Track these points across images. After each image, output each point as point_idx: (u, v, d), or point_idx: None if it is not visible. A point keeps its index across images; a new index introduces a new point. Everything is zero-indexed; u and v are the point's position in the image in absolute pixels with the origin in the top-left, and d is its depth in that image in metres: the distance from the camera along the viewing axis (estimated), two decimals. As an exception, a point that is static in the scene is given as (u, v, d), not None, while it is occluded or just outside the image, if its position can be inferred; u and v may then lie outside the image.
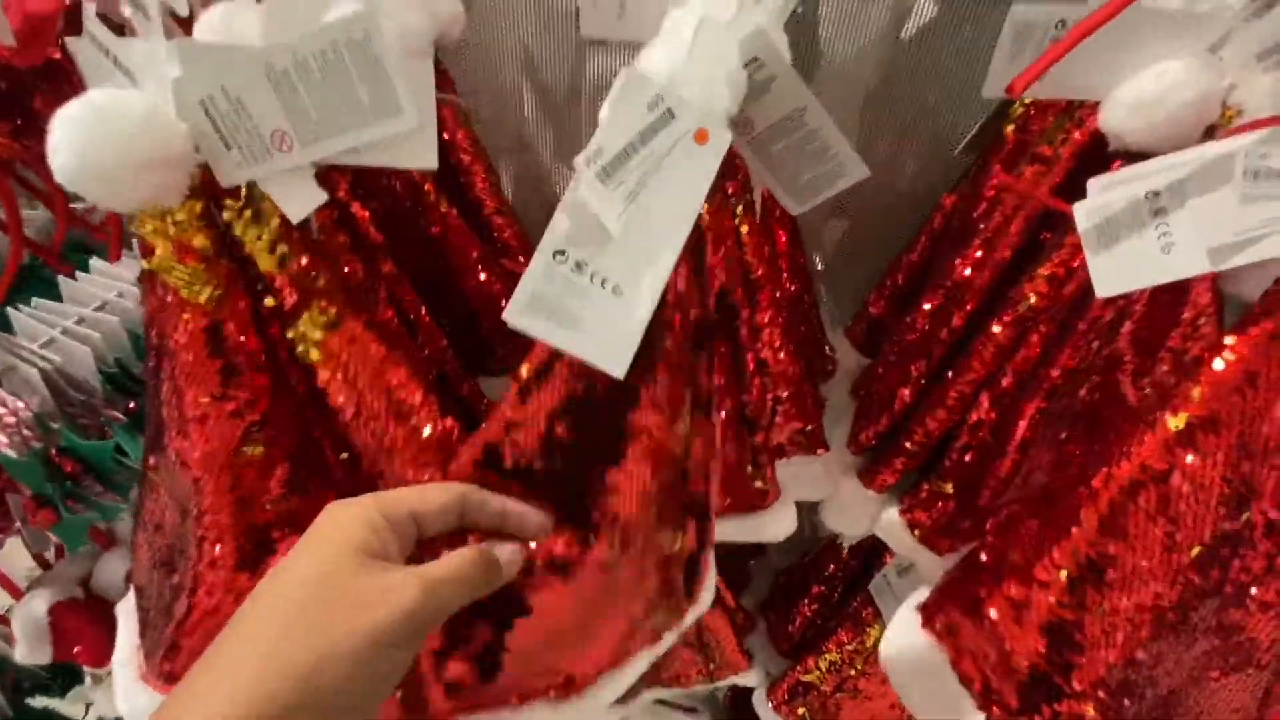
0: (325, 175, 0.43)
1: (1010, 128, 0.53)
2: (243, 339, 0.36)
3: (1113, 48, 0.37)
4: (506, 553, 0.33)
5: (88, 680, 0.93)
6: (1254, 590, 0.33)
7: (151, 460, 0.40)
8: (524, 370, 0.32)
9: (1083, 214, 0.34)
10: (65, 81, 0.41)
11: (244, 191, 0.34)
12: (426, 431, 0.39)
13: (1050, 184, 0.46)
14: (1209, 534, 0.33)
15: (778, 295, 0.49)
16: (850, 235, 0.75)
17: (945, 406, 0.50)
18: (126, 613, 0.47)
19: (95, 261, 0.61)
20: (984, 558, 0.41)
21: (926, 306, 0.56)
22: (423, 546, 0.31)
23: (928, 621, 0.43)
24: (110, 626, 0.55)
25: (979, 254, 0.52)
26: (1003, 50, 0.39)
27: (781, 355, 0.50)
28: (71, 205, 0.55)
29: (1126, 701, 0.35)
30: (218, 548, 0.39)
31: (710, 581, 0.46)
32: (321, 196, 0.34)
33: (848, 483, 0.56)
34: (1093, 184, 0.34)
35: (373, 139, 0.31)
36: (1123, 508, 0.34)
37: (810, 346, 0.62)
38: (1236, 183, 0.29)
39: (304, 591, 0.26)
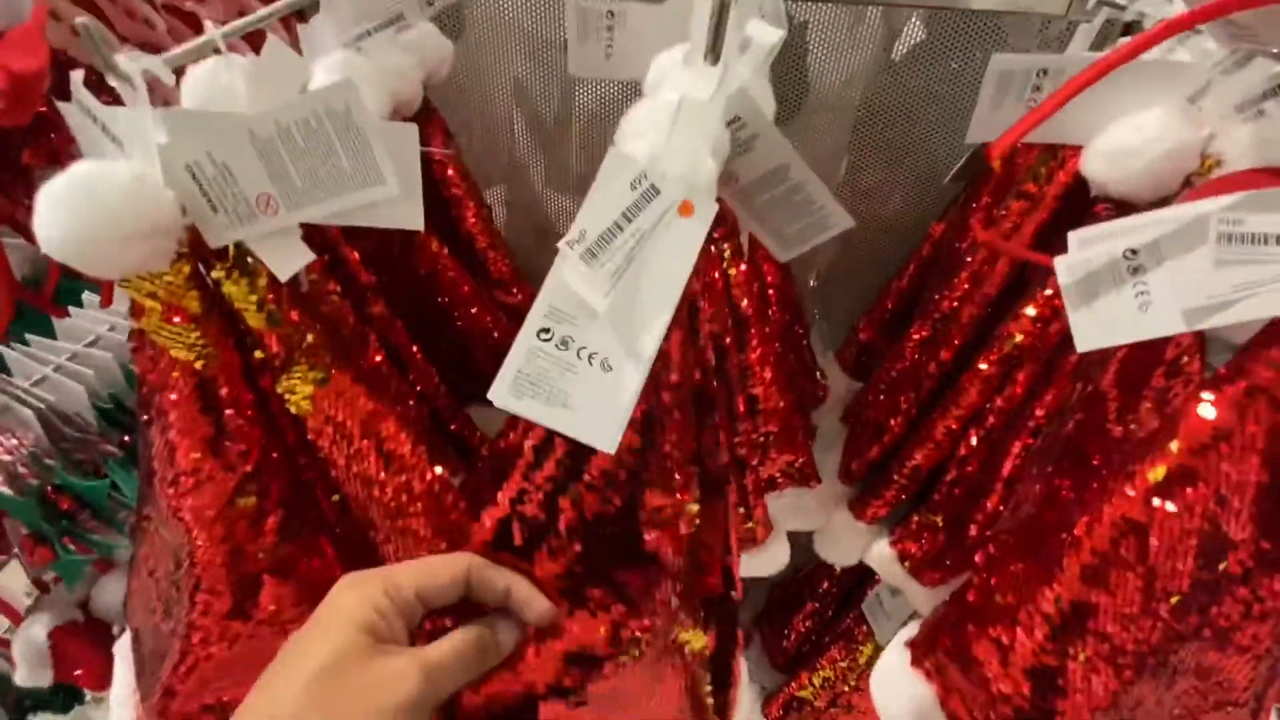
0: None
1: (997, 160, 0.54)
2: (234, 393, 0.36)
3: (1094, 97, 0.37)
4: (503, 630, 0.34)
5: (88, 699, 0.93)
6: (1232, 635, 0.34)
7: (145, 510, 0.41)
8: (526, 446, 0.32)
9: (1063, 269, 0.34)
10: (54, 133, 0.41)
11: (232, 251, 0.34)
12: (416, 484, 0.40)
13: (1036, 222, 0.47)
14: (1188, 583, 0.33)
15: (767, 330, 0.50)
16: (841, 258, 0.75)
17: (934, 441, 0.51)
18: (124, 653, 0.48)
19: (88, 295, 0.62)
20: (971, 598, 0.42)
21: (916, 337, 0.57)
22: (428, 619, 0.32)
23: (917, 660, 0.44)
24: (110, 649, 0.56)
25: (966, 287, 0.52)
26: (985, 97, 0.39)
27: (772, 390, 0.50)
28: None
29: (1110, 744, 0.36)
30: (210, 597, 0.39)
31: (744, 685, 0.44)
32: (309, 255, 0.34)
33: (839, 514, 0.57)
34: (1073, 238, 0.35)
35: (357, 205, 0.31)
36: (1104, 556, 0.34)
37: (801, 375, 0.62)
38: (1210, 246, 0.29)
39: (313, 675, 0.28)
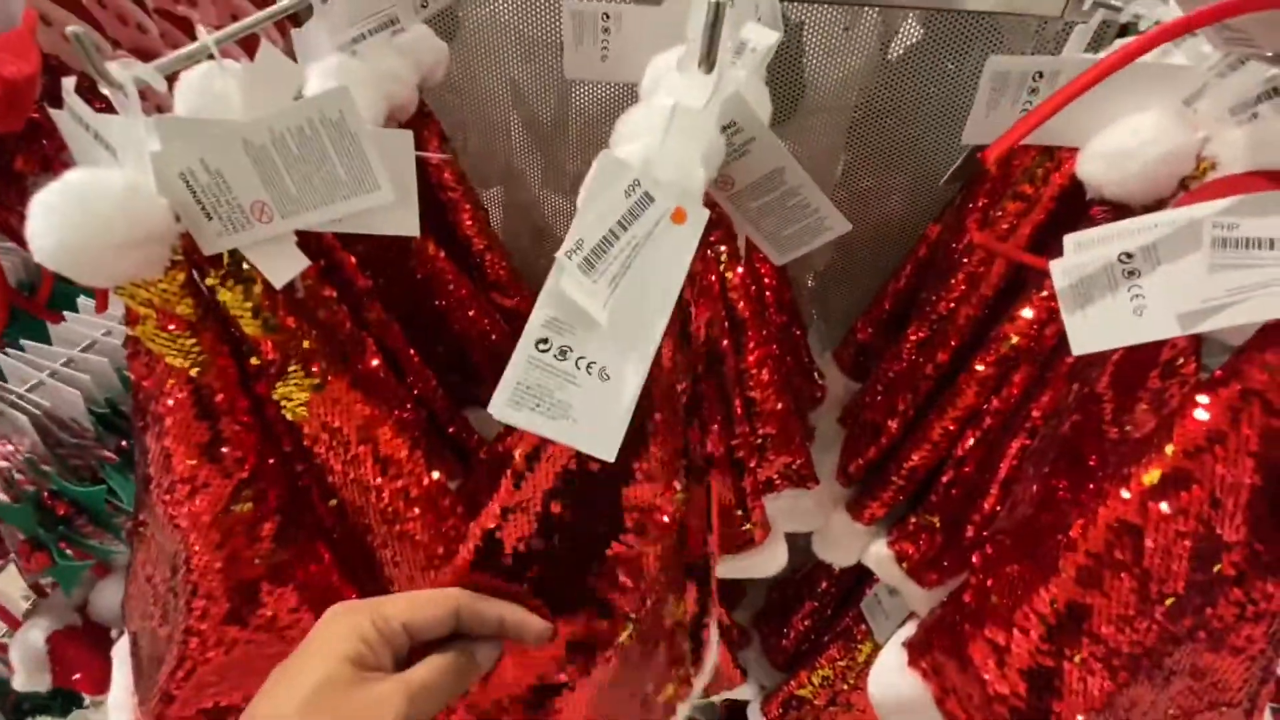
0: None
1: (993, 164, 0.54)
2: (230, 400, 0.36)
3: (1089, 99, 0.37)
4: (483, 649, 0.34)
5: (87, 702, 0.93)
6: (1226, 636, 0.34)
7: (141, 516, 0.41)
8: (517, 454, 0.32)
9: (1059, 272, 0.34)
10: (47, 139, 0.41)
11: (226, 259, 0.34)
12: (413, 490, 0.40)
13: (1032, 223, 0.47)
14: (1182, 585, 0.33)
15: (764, 333, 0.50)
16: (839, 259, 0.75)
17: (931, 442, 0.51)
18: (122, 657, 0.48)
19: (83, 300, 0.61)
20: (967, 599, 0.42)
21: (913, 338, 0.57)
22: (414, 652, 0.33)
23: (914, 660, 0.44)
24: (108, 653, 0.56)
25: (963, 289, 0.52)
26: (981, 99, 0.39)
27: (769, 393, 0.50)
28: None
29: (1105, 745, 0.36)
30: (207, 603, 0.39)
31: (714, 646, 0.46)
32: (304, 262, 0.34)
33: (837, 515, 0.57)
34: (1068, 241, 0.35)
35: (351, 212, 0.31)
36: (1099, 558, 0.34)
37: (799, 376, 0.62)
38: (1205, 250, 0.29)
39: (302, 702, 0.28)
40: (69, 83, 0.31)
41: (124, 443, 0.58)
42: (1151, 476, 0.33)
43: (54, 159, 0.40)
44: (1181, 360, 0.37)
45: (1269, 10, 0.26)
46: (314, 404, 0.37)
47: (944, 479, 0.50)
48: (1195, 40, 0.37)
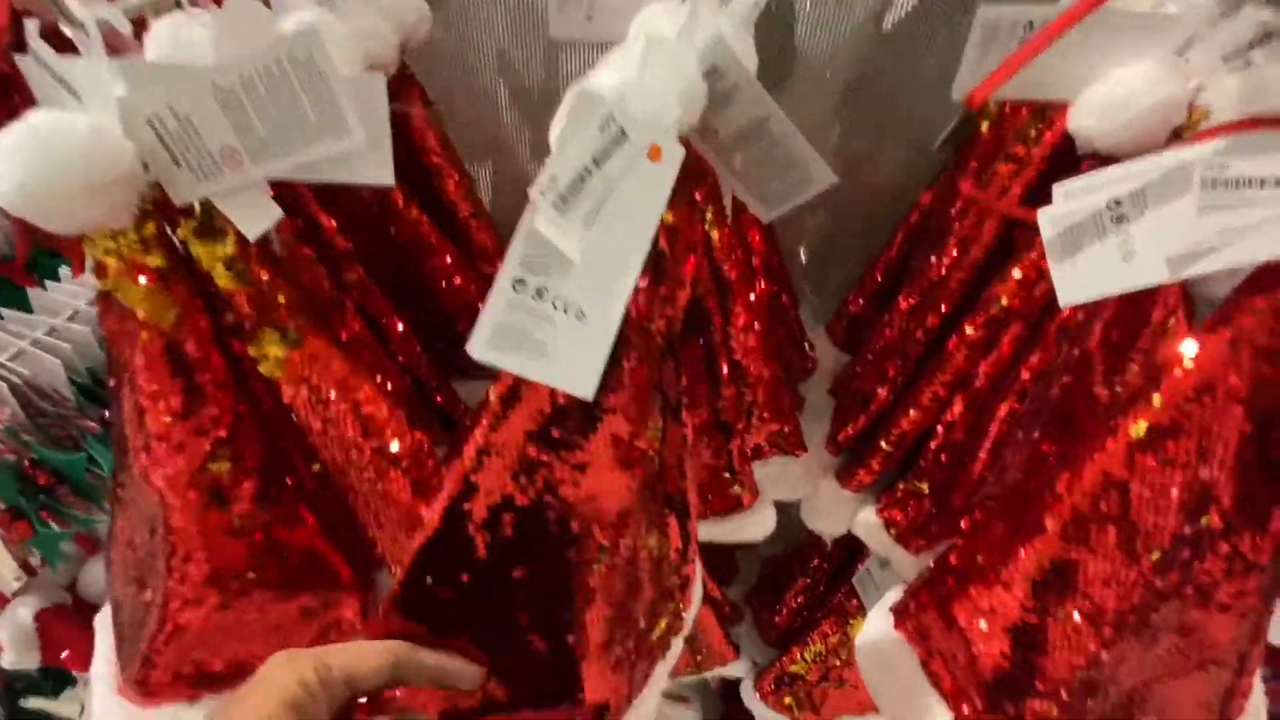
0: (288, 185, 0.43)
1: (986, 124, 0.53)
2: (205, 357, 0.35)
3: (1079, 50, 0.36)
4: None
5: (80, 682, 0.93)
6: (1214, 592, 0.34)
7: (119, 478, 0.40)
8: (491, 394, 0.31)
9: (1047, 221, 0.34)
10: (18, 94, 0.40)
11: (198, 211, 0.33)
12: (395, 447, 0.39)
13: (1023, 182, 0.46)
14: (1169, 539, 0.33)
15: (752, 299, 0.49)
16: (831, 230, 0.74)
17: (920, 406, 0.50)
18: (104, 626, 0.47)
19: (65, 269, 0.61)
20: (954, 560, 0.41)
21: (904, 306, 0.56)
22: (354, 707, 0.33)
23: (900, 623, 0.44)
24: (98, 631, 0.55)
25: (954, 254, 0.52)
26: (971, 51, 0.39)
27: (757, 358, 0.50)
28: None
29: (1090, 701, 0.36)
30: (186, 564, 0.39)
31: (698, 581, 0.46)
32: (277, 213, 0.34)
33: (826, 483, 0.57)
34: (1057, 190, 0.34)
35: (322, 156, 0.30)
36: (1085, 514, 0.34)
37: (789, 346, 0.62)
38: (1194, 193, 0.29)
39: None
40: (32, 25, 0.30)
41: (106, 413, 0.57)
42: (1138, 428, 0.33)
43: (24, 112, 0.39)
44: (1172, 320, 0.36)
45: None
46: (291, 361, 0.36)
47: (933, 444, 0.50)
48: (1187, -14, 0.36)
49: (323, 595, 0.45)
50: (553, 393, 0.30)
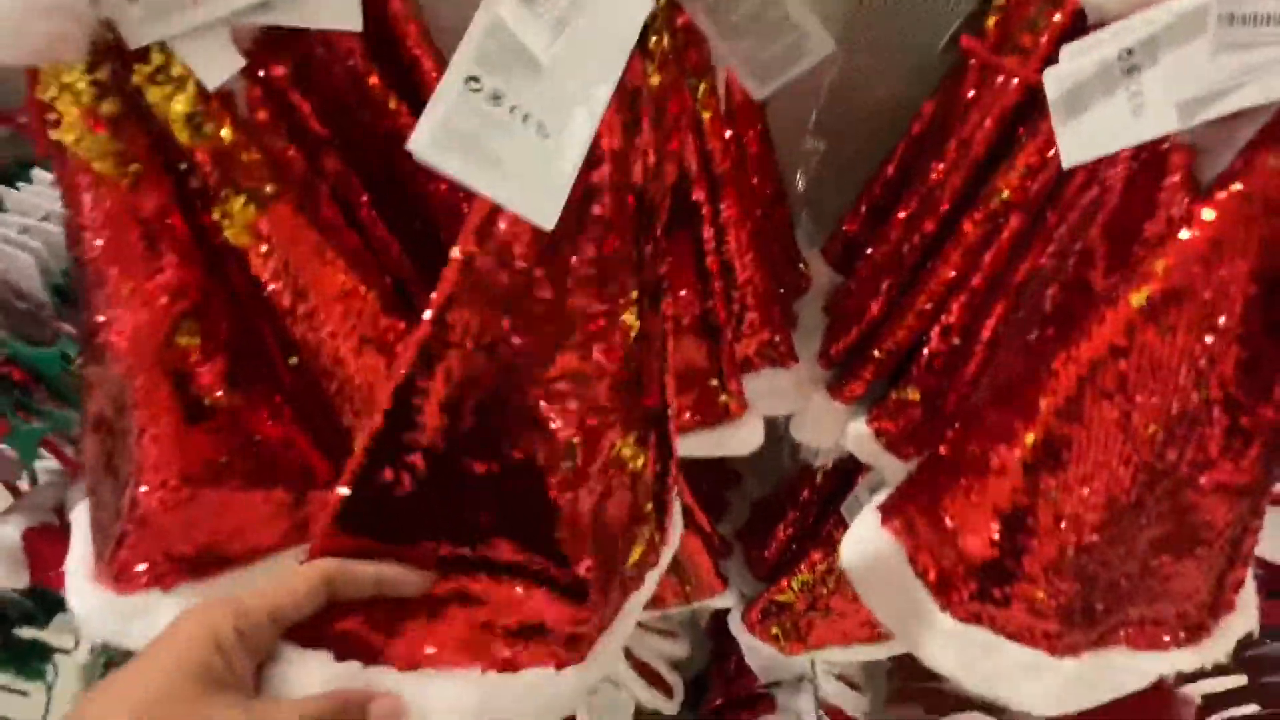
0: (259, 58, 0.41)
1: (993, 20, 0.51)
2: (165, 218, 0.34)
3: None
4: (384, 708, 0.31)
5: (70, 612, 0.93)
6: (1211, 470, 0.33)
7: (87, 357, 0.39)
8: (455, 252, 0.30)
9: (1052, 81, 0.32)
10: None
11: (155, 57, 0.31)
12: (369, 333, 0.38)
13: (1031, 69, 0.44)
14: (1166, 414, 0.32)
15: (744, 197, 0.47)
16: (830, 156, 0.72)
17: (915, 311, 0.49)
18: (79, 520, 0.47)
19: (37, 172, 0.59)
20: (944, 452, 0.41)
21: (901, 215, 0.54)
22: (293, 632, 0.30)
23: (887, 520, 0.43)
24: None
25: (954, 154, 0.50)
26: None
27: (747, 260, 0.49)
28: None
29: (1078, 585, 0.35)
30: (154, 447, 0.38)
31: (676, 516, 0.45)
32: (239, 61, 0.32)
33: (817, 396, 0.56)
34: (1065, 50, 0.32)
35: (285, -11, 0.29)
36: (1081, 389, 0.33)
37: (782, 261, 0.60)
38: (1210, 33, 0.27)
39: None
40: None
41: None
42: (1140, 297, 0.31)
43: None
44: (1178, 209, 0.35)
45: None
46: (258, 227, 0.35)
47: (927, 349, 0.49)
48: None
49: (297, 491, 0.44)
50: (516, 255, 0.28)
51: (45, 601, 0.96)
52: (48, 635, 0.99)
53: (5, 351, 0.51)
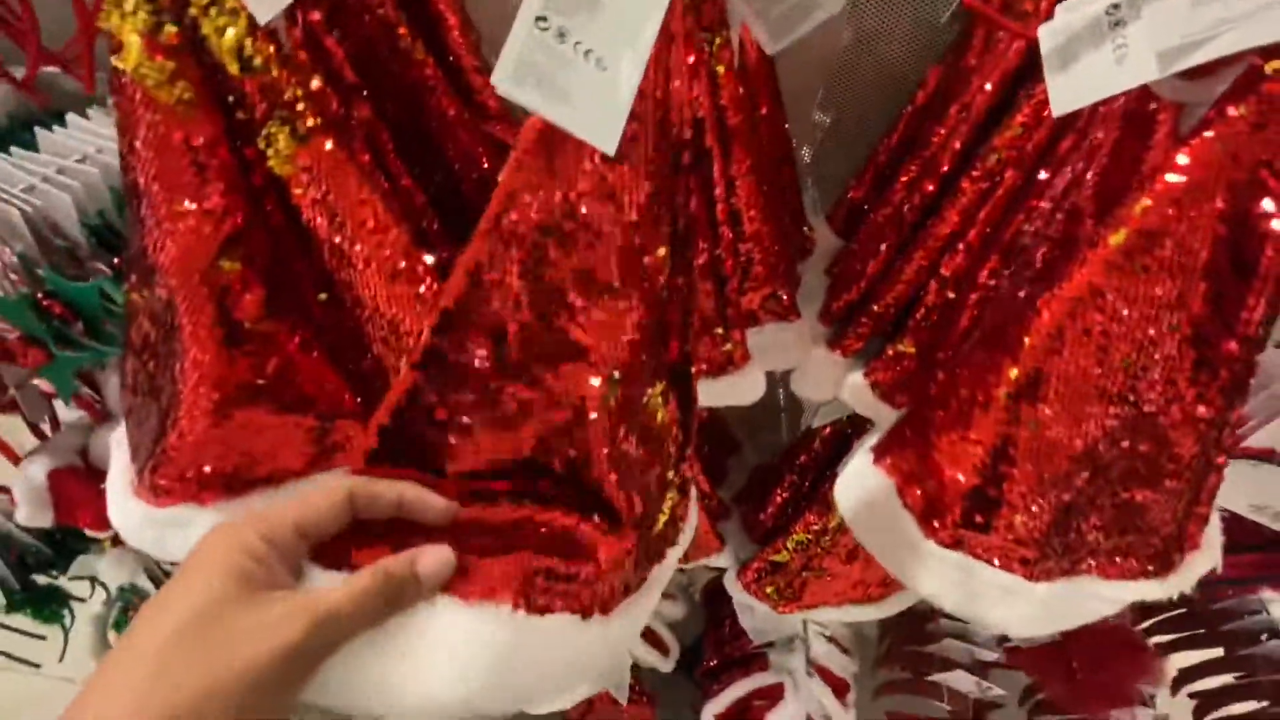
0: (298, 2, 0.43)
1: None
2: (216, 147, 0.36)
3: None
4: (431, 563, 0.30)
5: (91, 550, 0.96)
6: (1179, 404, 0.35)
7: (133, 278, 0.42)
8: (502, 180, 0.32)
9: (1046, 34, 0.34)
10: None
11: (210, -11, 0.34)
12: (401, 267, 0.40)
13: (1030, 35, 0.46)
14: (1139, 349, 0.34)
15: (753, 153, 0.50)
16: (837, 127, 0.74)
17: (914, 267, 0.51)
18: (119, 441, 0.49)
19: (72, 117, 0.61)
20: (934, 392, 0.43)
21: (903, 179, 0.57)
22: (323, 553, 0.30)
23: (878, 458, 0.46)
24: (109, 495, 0.57)
25: (955, 118, 0.52)
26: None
27: (754, 214, 0.51)
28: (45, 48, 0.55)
29: (1055, 514, 0.38)
30: (196, 363, 0.40)
31: (694, 498, 0.45)
32: (286, 1, 0.34)
33: (817, 350, 0.58)
34: (1060, 7, 0.34)
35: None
36: (1061, 326, 0.36)
37: (789, 223, 0.62)
38: (1191, -15, 0.29)
39: (179, 627, 0.25)
40: None
41: (117, 260, 0.59)
42: (1118, 237, 0.34)
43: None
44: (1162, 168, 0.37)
45: None
46: (299, 156, 0.37)
47: (924, 302, 0.51)
48: None
49: (324, 419, 0.46)
50: (566, 183, 0.30)
51: (64, 550, 0.99)
52: (67, 584, 1.02)
53: (45, 285, 0.54)
